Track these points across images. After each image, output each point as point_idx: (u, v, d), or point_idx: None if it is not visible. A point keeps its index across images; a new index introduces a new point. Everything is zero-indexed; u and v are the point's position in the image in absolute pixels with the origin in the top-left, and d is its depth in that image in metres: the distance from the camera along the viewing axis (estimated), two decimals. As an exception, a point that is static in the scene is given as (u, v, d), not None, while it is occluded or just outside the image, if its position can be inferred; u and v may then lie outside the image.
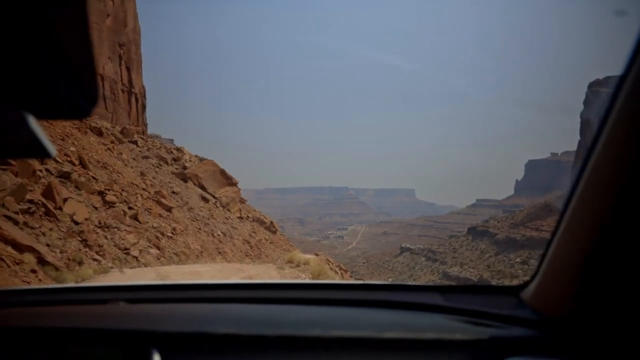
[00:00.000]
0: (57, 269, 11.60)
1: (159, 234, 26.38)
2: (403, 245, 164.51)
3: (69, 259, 14.71)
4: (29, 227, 14.05)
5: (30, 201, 15.60)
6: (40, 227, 14.87)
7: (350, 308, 1.35)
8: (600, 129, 0.86)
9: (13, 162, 17.87)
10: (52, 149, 0.63)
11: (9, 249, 11.04)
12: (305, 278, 13.40)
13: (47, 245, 13.62)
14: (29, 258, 10.85)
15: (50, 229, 15.43)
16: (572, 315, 1.05)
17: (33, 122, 0.57)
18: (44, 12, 0.49)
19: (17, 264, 10.24)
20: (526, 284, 1.26)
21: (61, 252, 14.67)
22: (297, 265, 16.40)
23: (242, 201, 47.88)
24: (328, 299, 1.41)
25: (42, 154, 0.62)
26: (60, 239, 15.65)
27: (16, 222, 13.32)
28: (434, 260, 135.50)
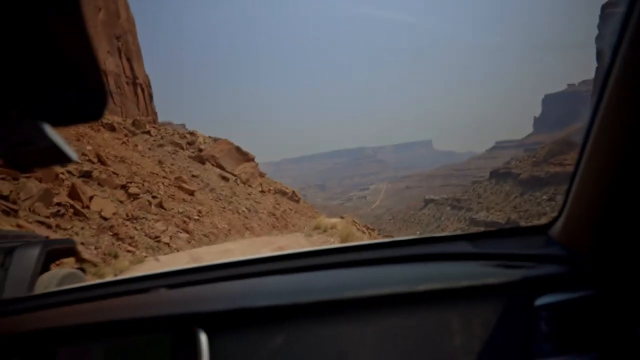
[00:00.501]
0: (95, 264, 11.96)
1: (185, 218, 26.64)
2: (427, 197, 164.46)
3: (104, 254, 15.14)
4: (61, 228, 14.44)
5: (59, 204, 15.96)
6: (72, 227, 15.26)
7: (381, 266, 1.36)
8: (614, 52, 0.82)
9: (35, 169, 18.15)
10: (72, 153, 0.63)
11: None
12: (334, 242, 13.52)
13: (82, 243, 14.00)
14: (67, 258, 11.32)
15: (82, 228, 15.83)
16: (602, 249, 1.04)
17: (50, 131, 0.59)
18: (44, 23, 0.50)
19: (58, 265, 10.69)
20: (553, 221, 1.24)
21: (96, 249, 15.09)
22: (325, 231, 16.48)
23: (262, 175, 48.06)
24: (358, 260, 1.42)
25: (64, 160, 0.63)
26: (92, 236, 16.06)
27: (49, 226, 13.70)
28: (459, 209, 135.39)
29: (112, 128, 40.54)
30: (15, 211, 13.33)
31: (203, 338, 1.15)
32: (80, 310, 1.39)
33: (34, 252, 5.02)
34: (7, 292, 4.30)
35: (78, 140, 32.00)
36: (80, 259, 11.44)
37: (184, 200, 30.87)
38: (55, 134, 0.60)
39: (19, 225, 12.27)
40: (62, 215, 15.60)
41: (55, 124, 0.59)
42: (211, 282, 1.50)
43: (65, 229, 14.55)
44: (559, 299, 1.08)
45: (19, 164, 0.64)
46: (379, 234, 31.95)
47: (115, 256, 15.21)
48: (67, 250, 5.00)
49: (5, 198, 13.51)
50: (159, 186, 30.66)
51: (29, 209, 14.07)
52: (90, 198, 18.91)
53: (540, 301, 1.08)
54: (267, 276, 1.44)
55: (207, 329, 1.16)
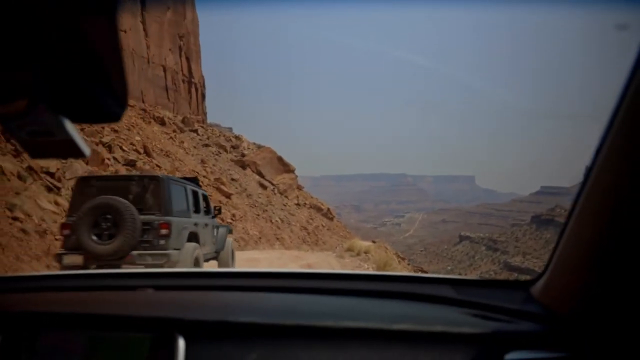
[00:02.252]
0: None
1: (218, 220, 26.57)
2: (462, 234, 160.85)
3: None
4: None
5: (99, 188, 16.35)
6: None
7: (365, 299, 1.40)
8: (609, 126, 0.86)
9: (47, 158, 18.63)
10: (86, 149, 0.68)
11: None
12: (368, 269, 13.07)
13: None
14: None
15: (117, 214, 16.11)
16: (579, 312, 1.05)
17: (69, 125, 0.63)
18: (76, 20, 0.52)
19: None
20: (536, 279, 1.27)
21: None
22: (358, 254, 15.92)
23: (299, 188, 48.04)
24: (343, 289, 1.45)
25: (78, 154, 0.68)
26: (125, 224, 16.34)
27: None
28: (494, 250, 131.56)
29: (162, 122, 41.49)
30: (58, 189, 13.61)
31: (181, 344, 1.17)
32: (67, 298, 1.43)
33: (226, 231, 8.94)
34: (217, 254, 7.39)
35: (129, 129, 32.85)
36: None
37: (220, 201, 31.09)
38: (73, 129, 0.64)
39: (56, 202, 12.46)
40: (101, 200, 15.92)
41: (75, 120, 0.63)
42: (200, 290, 1.53)
43: (101, 214, 14.88)
44: (530, 356, 1.08)
45: (34, 151, 0.68)
46: (408, 264, 31.23)
47: None
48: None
49: (52, 175, 13.84)
50: None
51: (72, 188, 14.38)
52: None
53: (510, 356, 1.08)
54: (253, 292, 1.48)
55: (187, 335, 1.18)
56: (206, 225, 8.43)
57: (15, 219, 10.65)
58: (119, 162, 22.43)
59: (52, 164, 13.65)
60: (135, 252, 6.55)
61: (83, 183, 7.25)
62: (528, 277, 1.35)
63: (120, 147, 26.63)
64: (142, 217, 6.58)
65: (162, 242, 6.70)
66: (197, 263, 7.33)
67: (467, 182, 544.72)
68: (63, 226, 6.94)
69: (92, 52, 0.55)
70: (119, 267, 6.46)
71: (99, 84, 0.59)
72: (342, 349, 1.13)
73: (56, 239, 10.43)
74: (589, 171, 0.93)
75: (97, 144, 22.37)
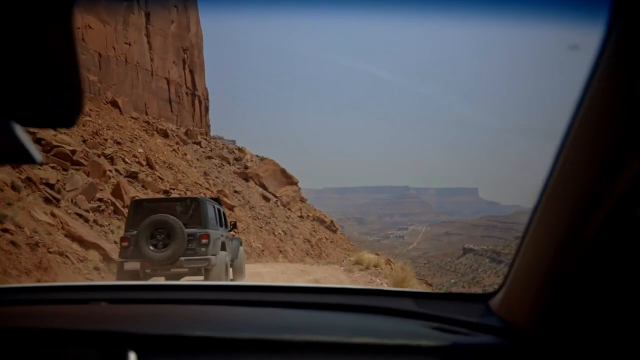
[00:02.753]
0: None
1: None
2: (466, 246, 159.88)
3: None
4: (98, 224, 14.49)
5: (100, 199, 16.12)
6: (109, 224, 15.30)
7: (325, 312, 1.38)
8: (562, 143, 0.88)
9: (85, 163, 18.61)
10: (37, 155, 0.64)
11: (75, 245, 11.27)
12: (381, 284, 12.72)
13: (115, 242, 13.95)
14: (93, 255, 10.98)
15: (119, 227, 15.85)
16: (537, 325, 1.06)
17: (19, 130, 0.59)
18: (32, 21, 0.50)
19: (81, 261, 10.36)
20: (495, 293, 1.28)
21: (128, 250, 15.18)
22: (367, 268, 15.44)
23: (302, 200, 47.87)
24: (304, 303, 1.44)
25: (29, 160, 0.64)
26: (127, 236, 16.22)
27: (87, 220, 13.77)
28: (498, 262, 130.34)
29: (165, 134, 41.57)
30: (57, 200, 13.47)
31: (132, 359, 1.11)
32: (14, 312, 1.37)
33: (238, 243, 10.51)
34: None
35: (132, 141, 32.85)
36: (107, 258, 11.28)
37: None
38: (23, 134, 0.60)
39: (52, 214, 12.25)
40: (102, 211, 15.71)
41: (26, 124, 0.59)
42: (154, 303, 1.49)
43: (102, 225, 14.59)
44: None
45: None
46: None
47: None
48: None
49: (51, 186, 13.69)
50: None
51: (72, 200, 14.21)
52: (132, 198, 19.09)
53: None
54: (210, 305, 1.45)
55: (139, 350, 1.12)
56: (227, 237, 10.07)
57: (5, 230, 10.37)
58: (120, 174, 22.33)
59: (52, 176, 13.53)
60: (183, 258, 8.20)
61: (137, 204, 9.07)
62: (488, 290, 1.36)
63: (123, 159, 26.62)
64: (186, 230, 8.27)
65: (203, 249, 8.38)
66: (226, 267, 9.10)
67: (471, 195, 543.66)
68: (123, 239, 8.55)
69: (46, 53, 0.52)
70: (168, 270, 8.20)
71: (52, 88, 0.55)
72: None
73: (49, 252, 10.22)
74: (546, 182, 0.94)
75: (99, 156, 22.29)
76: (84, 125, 29.14)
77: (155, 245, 8.17)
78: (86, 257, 10.68)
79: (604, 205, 0.84)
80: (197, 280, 7.46)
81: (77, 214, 13.69)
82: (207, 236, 8.48)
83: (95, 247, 11.50)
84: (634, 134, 0.77)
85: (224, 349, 1.13)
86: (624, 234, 0.86)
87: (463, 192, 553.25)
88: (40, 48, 0.52)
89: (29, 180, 12.89)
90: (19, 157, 0.62)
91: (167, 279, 8.34)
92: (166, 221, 8.23)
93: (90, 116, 32.38)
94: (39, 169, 13.71)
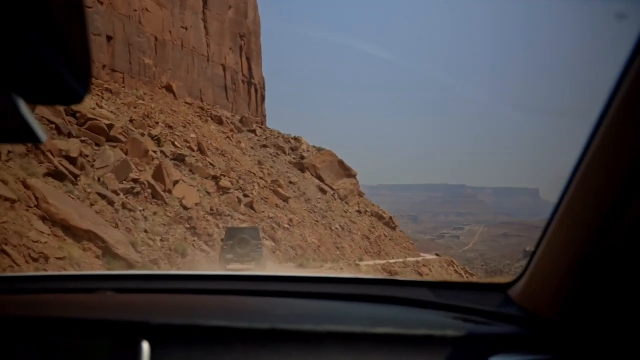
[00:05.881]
0: (131, 265, 9.07)
1: (275, 225, 24.95)
2: (527, 249, 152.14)
3: (170, 249, 12.79)
4: (127, 208, 12.27)
5: (135, 181, 13.98)
6: (143, 210, 13.13)
7: (342, 302, 1.37)
8: (595, 129, 0.86)
9: (124, 140, 16.65)
10: (42, 134, 0.61)
11: (47, 232, 8.39)
12: None
13: (145, 231, 11.55)
14: (71, 250, 8.27)
15: (155, 213, 13.64)
16: (558, 314, 1.06)
17: (23, 107, 0.56)
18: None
19: (35, 260, 7.47)
20: (514, 282, 1.27)
21: (162, 240, 12.77)
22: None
23: (361, 195, 45.40)
24: (320, 293, 1.43)
25: (33, 139, 0.61)
26: (163, 224, 13.82)
27: (111, 202, 11.52)
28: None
29: (220, 121, 40.83)
30: (76, 177, 11.16)
31: (146, 349, 1.09)
32: (20, 301, 1.35)
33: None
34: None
35: (184, 127, 31.86)
36: (108, 252, 8.74)
37: (276, 205, 29.47)
38: (28, 112, 0.57)
39: (25, 184, 9.31)
40: (137, 194, 13.55)
41: (32, 101, 0.57)
42: (162, 293, 1.46)
43: (132, 210, 12.30)
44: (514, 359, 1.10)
45: None
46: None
47: (183, 254, 12.90)
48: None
49: (72, 160, 11.44)
50: (253, 186, 29.51)
51: (98, 178, 12.04)
52: (175, 183, 16.93)
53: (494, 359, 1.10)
54: (225, 295, 1.41)
55: (152, 340, 1.10)
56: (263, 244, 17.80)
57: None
58: (166, 157, 20.51)
59: (75, 148, 11.33)
60: (252, 253, 16.27)
61: (230, 229, 17.74)
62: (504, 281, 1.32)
63: (173, 143, 25.34)
64: (253, 241, 16.40)
65: (259, 250, 16.71)
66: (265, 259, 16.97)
67: (531, 195, 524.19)
68: (225, 245, 16.54)
69: (54, 27, 0.50)
70: (244, 259, 16.01)
71: (61, 63, 0.52)
72: (323, 354, 1.09)
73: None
74: (574, 171, 0.93)
75: (143, 136, 20.42)
76: (135, 108, 28.11)
77: (240, 249, 15.94)
78: (50, 254, 7.69)
79: (633, 198, 0.84)
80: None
81: (99, 194, 11.50)
82: (261, 245, 17.08)
83: (90, 236, 8.99)
84: None
85: (243, 339, 1.10)
86: None
87: (523, 193, 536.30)
88: (48, 20, 0.49)
89: (36, 148, 10.60)
90: (23, 135, 0.59)
91: (242, 264, 15.69)
92: (245, 237, 16.38)
93: (143, 100, 31.53)
94: (60, 139, 11.66)
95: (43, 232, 8.25)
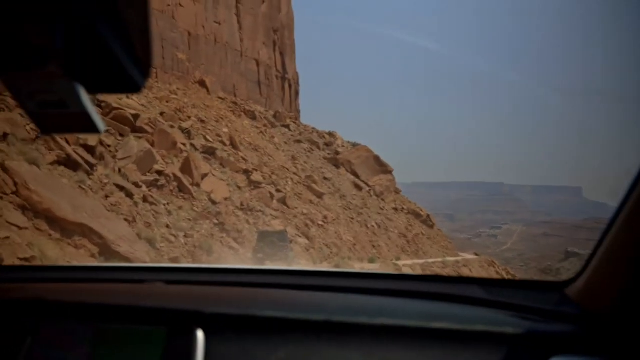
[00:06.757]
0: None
1: (308, 222, 24.04)
2: (569, 250, 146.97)
3: (195, 246, 11.93)
4: (149, 202, 11.45)
5: (160, 173, 13.17)
6: (168, 203, 12.29)
7: (394, 298, 1.35)
8: None
9: (151, 131, 15.94)
10: (101, 124, 0.60)
11: (22, 224, 7.25)
12: None
13: (167, 226, 10.66)
14: (45, 249, 6.86)
15: (180, 207, 12.78)
16: (620, 313, 1.03)
17: (84, 95, 0.56)
18: None
19: (26, 260, 6.28)
20: (571, 281, 1.25)
21: (185, 236, 11.91)
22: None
23: (397, 192, 44.04)
24: (372, 289, 1.42)
25: (92, 129, 0.61)
26: (189, 219, 12.98)
27: (130, 195, 10.71)
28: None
29: (253, 116, 40.36)
30: (92, 166, 10.35)
31: (200, 337, 1.12)
32: (73, 289, 1.39)
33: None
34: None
35: (217, 121, 31.39)
36: (106, 250, 7.79)
37: (310, 201, 28.55)
38: (88, 100, 0.57)
39: (3, 167, 8.15)
40: (161, 187, 12.74)
41: (92, 90, 0.56)
42: (213, 285, 1.47)
43: (154, 204, 11.45)
44: None
45: (44, 125, 0.61)
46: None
47: (209, 251, 12.02)
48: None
49: (90, 149, 10.65)
50: (286, 181, 28.69)
51: (118, 169, 11.27)
52: (204, 176, 16.08)
53: None
54: (277, 289, 1.41)
55: (206, 328, 1.13)
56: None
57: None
58: (196, 150, 19.79)
59: (94, 137, 10.54)
60: (279, 254, 18.54)
61: (262, 232, 20.21)
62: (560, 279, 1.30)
63: (204, 137, 24.72)
64: (280, 243, 19.33)
65: (286, 251, 18.99)
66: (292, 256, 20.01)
67: (573, 194, 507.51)
68: (257, 245, 18.94)
69: (117, 15, 0.50)
70: (276, 255, 18.23)
71: (123, 50, 0.52)
72: (378, 346, 1.09)
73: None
74: (638, 175, 0.91)
75: (172, 128, 19.74)
76: (167, 102, 27.71)
77: (270, 249, 18.20)
78: (7, 253, 6.19)
79: None
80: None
81: (117, 185, 10.68)
82: (287, 246, 19.44)
83: (83, 231, 7.90)
84: None
85: (298, 330, 1.11)
86: None
87: (564, 191, 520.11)
88: (111, 8, 0.49)
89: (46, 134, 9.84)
90: (84, 126, 0.58)
91: (271, 262, 16.98)
92: (273, 240, 18.85)
93: (176, 94, 31.17)
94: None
95: (14, 224, 7.09)
